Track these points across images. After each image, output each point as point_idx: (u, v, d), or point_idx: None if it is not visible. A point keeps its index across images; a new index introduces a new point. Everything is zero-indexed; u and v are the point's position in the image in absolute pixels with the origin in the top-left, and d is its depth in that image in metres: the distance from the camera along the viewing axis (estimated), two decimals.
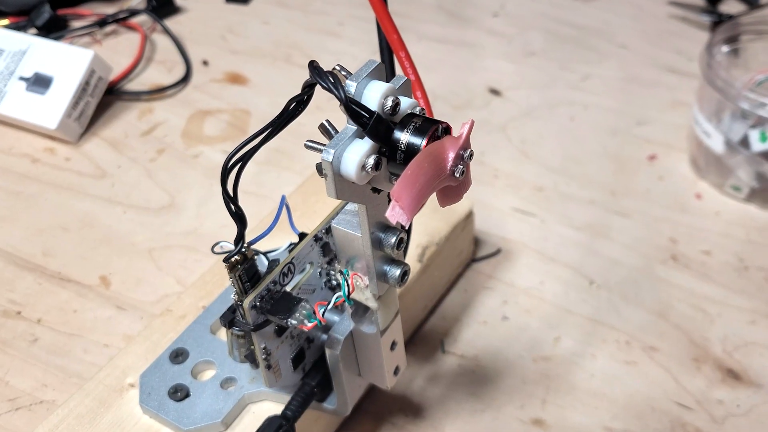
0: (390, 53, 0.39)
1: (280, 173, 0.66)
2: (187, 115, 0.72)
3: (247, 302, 0.33)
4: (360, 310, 0.36)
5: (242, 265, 0.33)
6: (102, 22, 0.82)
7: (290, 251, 0.38)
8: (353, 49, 0.81)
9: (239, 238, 0.33)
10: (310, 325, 0.33)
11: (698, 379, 0.50)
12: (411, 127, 0.28)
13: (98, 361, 0.51)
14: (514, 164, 0.66)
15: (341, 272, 0.33)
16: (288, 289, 0.36)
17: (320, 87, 0.28)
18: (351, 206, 0.33)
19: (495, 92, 0.74)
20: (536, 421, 0.48)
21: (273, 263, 0.36)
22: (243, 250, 0.33)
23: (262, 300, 0.34)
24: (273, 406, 0.43)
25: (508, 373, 0.51)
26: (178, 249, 0.59)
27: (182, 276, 0.57)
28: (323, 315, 0.33)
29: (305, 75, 0.77)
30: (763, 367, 0.50)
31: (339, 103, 0.28)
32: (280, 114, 0.30)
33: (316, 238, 0.36)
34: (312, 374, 0.40)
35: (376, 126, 0.27)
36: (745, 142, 0.58)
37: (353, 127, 0.28)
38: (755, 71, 0.61)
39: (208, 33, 0.84)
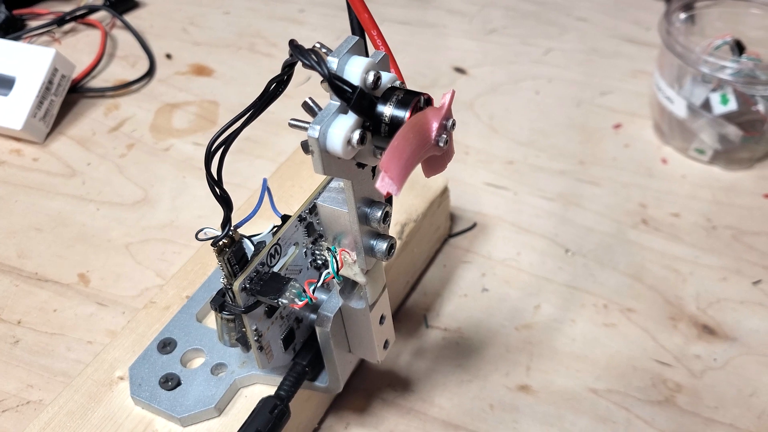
0: (362, 32, 0.39)
1: (252, 161, 0.66)
2: (155, 109, 0.72)
3: (237, 285, 0.33)
4: (348, 287, 0.36)
5: (230, 248, 0.33)
6: (60, 21, 0.80)
7: (275, 233, 0.38)
8: (316, 35, 0.81)
9: (226, 221, 0.33)
10: (300, 303, 0.33)
11: (675, 336, 0.51)
12: (393, 99, 0.28)
13: (83, 358, 0.51)
14: (483, 140, 0.67)
15: (328, 249, 0.33)
16: (275, 270, 0.36)
17: (301, 65, 0.28)
18: (335, 183, 0.33)
19: (460, 71, 0.75)
20: (522, 387, 0.49)
21: (259, 246, 0.36)
22: (230, 233, 0.33)
23: (251, 282, 0.34)
24: (265, 389, 0.43)
25: (491, 342, 0.51)
26: (155, 242, 0.59)
27: (162, 269, 0.57)
28: (313, 292, 0.33)
29: (270, 63, 0.77)
30: (736, 322, 0.52)
31: (321, 80, 0.28)
32: (261, 95, 0.30)
33: (300, 219, 0.37)
34: (302, 354, 0.40)
35: (359, 101, 0.28)
36: (707, 105, 0.59)
37: (336, 103, 0.28)
38: (712, 37, 0.63)
39: (170, 26, 0.83)
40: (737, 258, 0.56)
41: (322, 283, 0.33)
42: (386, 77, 0.29)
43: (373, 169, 0.32)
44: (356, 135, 0.28)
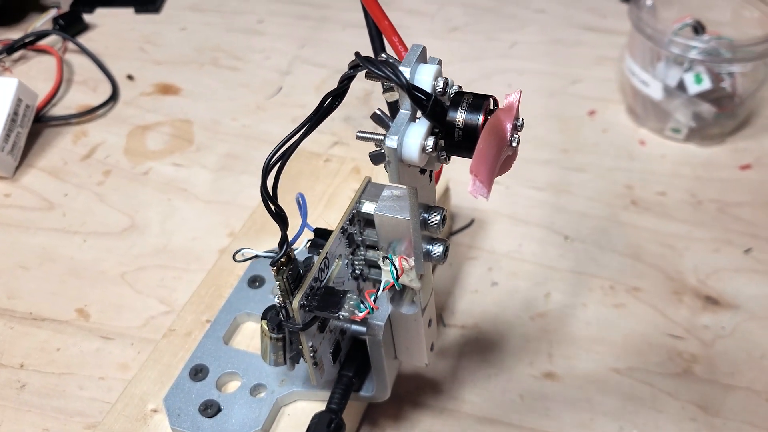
0: (381, 40, 0.39)
1: (237, 177, 0.65)
2: (125, 133, 0.70)
3: (296, 302, 0.33)
4: (397, 293, 0.36)
5: (288, 266, 0.33)
6: (9, 49, 0.78)
7: (310, 246, 0.38)
8: (279, 45, 0.80)
9: (284, 240, 0.33)
10: (361, 314, 0.33)
11: (682, 309, 0.53)
12: (464, 104, 0.29)
13: (98, 395, 0.50)
14: None
15: (385, 258, 0.34)
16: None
17: (374, 75, 0.28)
18: (387, 192, 0.34)
19: None
20: (548, 375, 0.50)
21: (308, 262, 0.36)
22: (288, 251, 0.33)
23: (308, 298, 0.34)
24: (307, 405, 0.43)
25: (510, 334, 0.53)
26: (151, 269, 0.58)
27: (164, 295, 0.56)
28: (375, 302, 0.34)
29: (237, 77, 0.77)
30: (736, 289, 0.55)
31: (388, 90, 0.29)
32: (316, 110, 0.30)
33: (342, 230, 0.37)
34: (347, 365, 0.40)
35: (434, 108, 0.28)
36: (681, 86, 0.62)
37: (407, 112, 0.28)
38: (671, 20, 0.65)
39: (126, 46, 0.81)
40: (725, 229, 0.59)
41: (383, 291, 0.34)
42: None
43: (430, 173, 0.32)
44: (430, 142, 0.28)
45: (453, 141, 0.29)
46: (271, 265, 0.33)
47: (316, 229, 0.40)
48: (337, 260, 0.37)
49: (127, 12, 0.86)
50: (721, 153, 0.65)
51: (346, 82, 0.29)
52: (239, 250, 0.37)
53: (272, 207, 0.32)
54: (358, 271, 0.39)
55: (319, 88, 0.74)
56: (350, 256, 0.38)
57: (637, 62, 0.64)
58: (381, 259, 0.34)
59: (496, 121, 0.28)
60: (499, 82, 0.74)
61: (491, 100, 0.29)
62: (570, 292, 0.55)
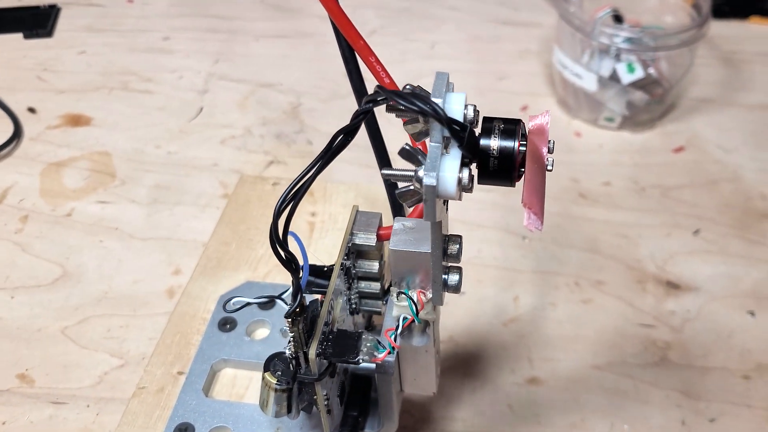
0: (355, 62, 0.38)
1: (172, 210, 0.61)
2: (38, 173, 0.65)
3: (312, 352, 0.31)
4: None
5: (302, 316, 0.31)
6: None
7: (298, 288, 0.36)
8: (191, 62, 0.77)
9: (297, 289, 0.31)
10: (381, 356, 0.32)
11: (647, 297, 0.55)
12: (496, 131, 0.28)
13: None
14: (394, 141, 0.67)
15: (402, 293, 0.32)
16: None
17: (404, 110, 0.26)
18: (398, 225, 0.32)
19: None
20: (532, 380, 0.50)
21: (313, 305, 0.34)
22: (301, 300, 0.31)
23: (323, 346, 0.32)
24: None
25: (486, 343, 0.52)
26: (95, 320, 0.54)
27: (114, 347, 0.52)
28: (395, 341, 0.32)
29: (152, 100, 0.73)
30: (693, 272, 0.57)
31: (411, 122, 0.27)
32: (326, 149, 0.28)
33: (342, 266, 0.35)
34: (350, 405, 0.39)
35: (471, 139, 0.27)
36: (614, 76, 0.63)
37: (437, 145, 0.27)
38: (593, 10, 0.67)
39: (20, 76, 0.75)
40: (672, 213, 0.61)
41: (402, 329, 0.32)
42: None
43: (446, 202, 0.31)
44: (465, 174, 0.27)
45: (488, 170, 0.28)
46: (285, 317, 0.31)
47: (312, 265, 0.38)
48: (338, 299, 0.35)
49: (16, 38, 0.80)
50: (653, 138, 0.68)
51: (361, 117, 0.27)
52: (230, 299, 0.35)
53: (282, 254, 0.30)
54: (354, 306, 0.38)
55: (242, 104, 0.71)
56: (347, 292, 0.37)
57: (568, 54, 0.65)
58: (395, 295, 0.32)
59: (533, 147, 0.27)
60: (428, 84, 0.73)
61: (522, 124, 0.28)
62: (537, 293, 0.55)
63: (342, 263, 0.35)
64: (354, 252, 0.36)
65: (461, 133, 0.26)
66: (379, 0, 0.85)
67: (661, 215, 0.61)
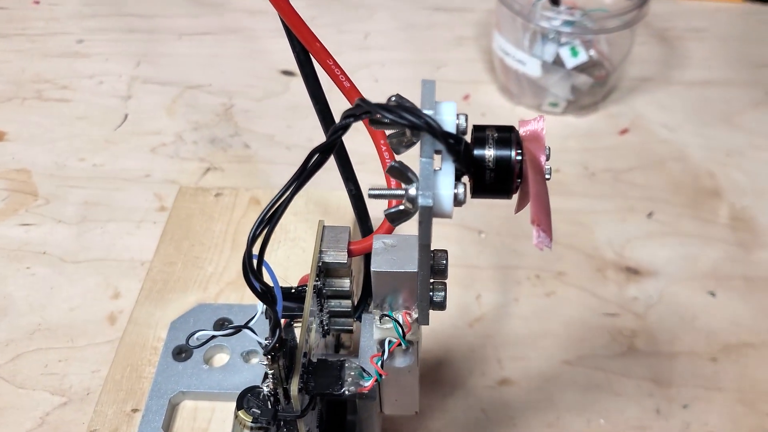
0: (311, 65, 0.35)
1: (105, 227, 0.58)
2: None
3: (294, 388, 0.29)
4: None
5: (282, 351, 0.29)
6: None
7: (277, 323, 0.34)
8: (110, 66, 0.72)
9: (276, 324, 0.28)
10: (368, 384, 0.30)
11: (609, 285, 0.54)
12: (491, 141, 0.26)
13: None
14: (347, 141, 0.65)
15: (385, 316, 0.30)
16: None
17: (391, 124, 0.24)
18: (379, 244, 0.30)
19: (288, 73, 0.72)
20: (503, 381, 0.49)
21: (289, 333, 0.31)
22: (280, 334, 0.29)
23: (305, 380, 0.30)
24: None
25: (453, 347, 0.51)
26: (30, 355, 0.50)
27: (54, 384, 0.48)
28: (382, 367, 0.30)
29: (71, 109, 0.69)
30: (651, 256, 0.56)
31: (397, 137, 0.25)
32: (301, 168, 0.26)
33: (314, 288, 0.33)
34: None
35: (466, 151, 0.25)
36: (558, 60, 0.62)
37: (429, 160, 0.25)
38: None
39: None
40: (625, 197, 0.61)
41: (389, 353, 0.30)
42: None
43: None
44: (461, 190, 0.25)
45: (483, 183, 0.26)
46: (265, 354, 0.28)
47: (283, 288, 0.35)
48: (312, 324, 0.33)
49: None
50: (598, 121, 0.67)
51: (339, 132, 0.25)
52: (193, 334, 0.32)
53: (258, 286, 0.27)
54: (326, 327, 0.36)
55: (170, 109, 0.68)
56: (319, 314, 0.35)
57: (509, 40, 0.64)
58: (377, 318, 0.30)
59: (532, 156, 0.26)
60: (365, 77, 0.71)
61: (516, 131, 0.27)
62: (499, 289, 0.54)
63: (315, 286, 0.33)
64: (323, 270, 0.34)
65: (457, 147, 0.24)
66: None
67: (614, 200, 0.61)
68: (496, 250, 0.57)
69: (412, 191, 0.25)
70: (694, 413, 0.47)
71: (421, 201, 0.24)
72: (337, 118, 0.40)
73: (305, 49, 0.34)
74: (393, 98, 0.25)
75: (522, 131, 0.26)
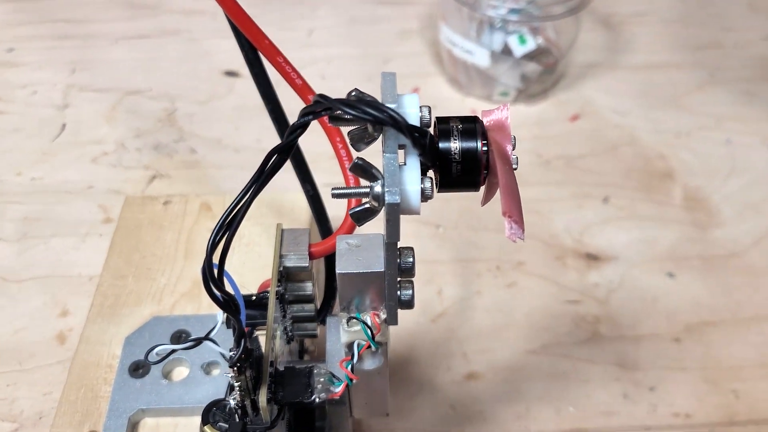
0: (260, 64, 0.35)
1: (48, 243, 0.56)
2: None
3: (263, 399, 0.28)
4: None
5: (248, 361, 0.28)
6: None
7: (242, 333, 0.33)
8: (44, 75, 0.70)
9: (241, 333, 0.27)
10: (339, 390, 0.29)
11: (569, 273, 0.55)
12: (455, 133, 0.25)
13: None
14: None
15: (352, 318, 0.29)
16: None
17: (353, 119, 0.24)
18: (342, 245, 0.29)
19: (232, 74, 0.70)
20: (470, 376, 0.49)
21: (253, 342, 0.31)
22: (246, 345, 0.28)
23: (273, 389, 0.29)
24: None
25: (417, 343, 0.51)
26: None
27: (3, 410, 0.46)
28: (352, 371, 0.29)
29: (3, 122, 0.66)
30: (609, 241, 0.57)
31: (359, 133, 0.24)
32: (260, 170, 0.25)
33: (277, 294, 0.32)
34: None
35: (431, 145, 0.24)
36: (506, 49, 0.63)
37: (394, 155, 0.24)
38: None
39: None
40: (579, 183, 0.61)
41: (359, 356, 0.30)
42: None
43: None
44: (428, 184, 0.25)
45: (450, 177, 0.25)
46: (231, 366, 0.27)
47: (246, 296, 0.34)
48: (277, 331, 0.32)
49: None
50: (549, 108, 0.68)
51: (298, 131, 0.24)
52: (152, 349, 0.31)
53: (219, 295, 0.26)
54: (290, 333, 0.35)
55: (110, 116, 0.66)
56: (283, 320, 0.34)
57: (456, 31, 0.64)
58: (345, 321, 0.30)
59: (498, 146, 0.25)
60: (312, 74, 0.70)
61: (480, 121, 0.26)
62: (460, 283, 0.54)
63: (277, 291, 0.32)
64: (284, 275, 0.33)
65: (422, 140, 0.24)
66: None
67: (569, 187, 0.61)
68: (455, 243, 0.57)
69: (378, 188, 0.24)
70: (660, 395, 0.48)
71: (388, 198, 0.23)
72: (290, 117, 0.39)
73: (254, 48, 0.33)
74: (353, 93, 0.25)
75: (486, 121, 0.26)
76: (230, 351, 0.27)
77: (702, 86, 0.71)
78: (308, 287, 0.34)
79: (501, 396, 0.48)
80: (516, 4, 0.62)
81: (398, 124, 0.23)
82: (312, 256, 0.33)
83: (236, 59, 0.72)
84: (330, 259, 0.39)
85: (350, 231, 0.34)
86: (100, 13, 0.77)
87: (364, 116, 0.23)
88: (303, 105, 0.37)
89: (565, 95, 0.69)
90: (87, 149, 0.63)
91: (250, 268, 0.46)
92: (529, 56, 0.63)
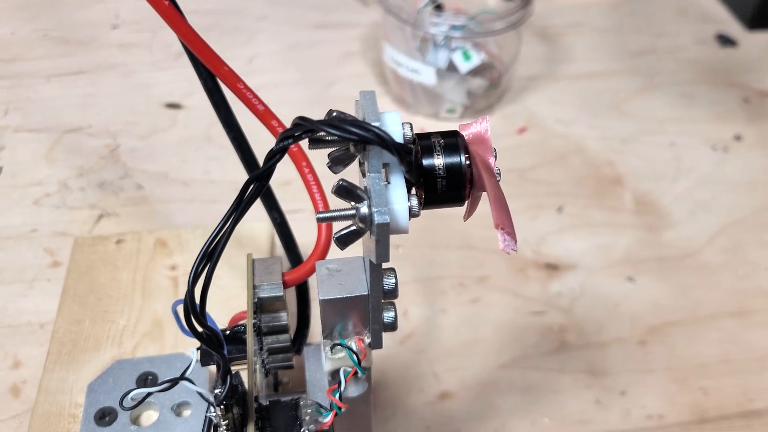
0: (220, 92, 0.34)
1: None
2: None
3: None
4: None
5: (234, 398, 0.27)
6: None
7: (203, 357, 0.32)
8: None
9: (227, 371, 0.27)
10: (328, 420, 0.29)
11: (532, 284, 0.55)
12: (438, 148, 0.25)
13: None
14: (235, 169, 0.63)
15: (337, 345, 0.29)
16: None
17: (336, 140, 0.23)
18: (322, 271, 0.29)
19: (174, 106, 0.69)
20: (443, 395, 0.49)
21: (236, 378, 0.30)
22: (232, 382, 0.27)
23: (261, 425, 0.28)
24: None
25: (387, 367, 0.50)
26: None
27: None
28: (340, 399, 0.29)
29: None
30: (566, 250, 0.58)
31: (339, 156, 0.24)
32: (238, 198, 0.25)
33: (255, 327, 0.31)
34: None
35: (417, 161, 0.25)
36: (451, 66, 0.63)
37: (378, 175, 0.24)
38: (415, 1, 0.67)
39: None
40: (533, 194, 0.62)
41: (345, 383, 0.29)
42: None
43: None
44: (414, 202, 0.24)
45: (435, 193, 0.25)
46: (218, 404, 0.27)
47: (224, 330, 0.33)
48: (256, 364, 0.32)
49: None
50: (496, 123, 0.69)
51: (278, 156, 0.24)
52: (127, 394, 0.30)
53: (201, 330, 0.25)
54: (267, 367, 0.34)
55: (50, 156, 0.64)
56: (260, 353, 0.33)
57: (401, 51, 0.64)
58: (329, 349, 0.29)
59: (482, 159, 0.26)
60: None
61: (460, 134, 0.26)
62: (425, 302, 0.54)
63: (254, 323, 0.31)
64: (258, 306, 0.33)
65: (408, 158, 0.24)
66: None
67: (524, 199, 0.62)
68: (416, 262, 0.57)
69: (364, 210, 0.24)
70: (632, 398, 0.49)
71: (377, 218, 0.23)
72: (253, 145, 0.39)
73: (212, 75, 0.33)
74: (334, 113, 0.24)
75: (465, 135, 0.26)
76: (216, 389, 0.27)
77: (641, 91, 0.73)
78: (283, 317, 0.34)
79: (476, 413, 0.48)
80: (457, 21, 0.63)
81: (385, 142, 0.23)
82: (286, 285, 0.33)
83: (177, 91, 0.72)
84: (301, 287, 0.39)
85: (323, 256, 0.34)
86: (30, 51, 0.75)
87: (349, 136, 0.23)
88: (265, 131, 0.37)
89: (510, 109, 0.70)
90: (28, 191, 0.61)
91: (214, 302, 0.45)
92: (474, 72, 0.64)
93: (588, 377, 0.50)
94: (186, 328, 0.34)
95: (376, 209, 0.23)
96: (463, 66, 0.63)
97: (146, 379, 0.42)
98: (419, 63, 0.63)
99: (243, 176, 0.62)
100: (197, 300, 0.25)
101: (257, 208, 0.42)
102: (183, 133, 0.67)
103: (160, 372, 0.42)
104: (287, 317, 0.34)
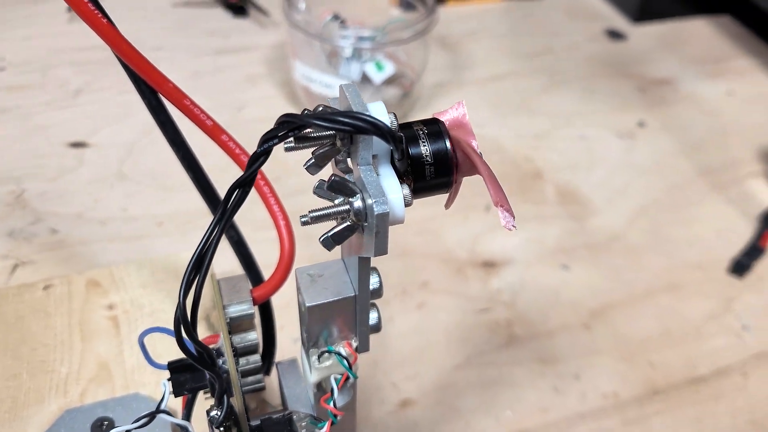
0: (165, 110, 0.33)
1: None
2: None
3: None
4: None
5: (232, 419, 0.26)
6: None
7: (176, 388, 0.31)
8: None
9: (223, 391, 0.26)
10: (324, 430, 0.28)
11: (472, 283, 0.56)
12: (422, 135, 0.25)
13: None
14: (156, 203, 0.62)
15: (326, 352, 0.29)
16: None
17: (338, 131, 0.23)
18: (304, 279, 0.28)
19: (79, 144, 0.67)
20: (404, 404, 0.49)
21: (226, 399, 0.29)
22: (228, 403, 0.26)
23: None
24: None
25: None
26: None
27: None
28: (335, 406, 0.29)
29: None
30: (501, 246, 0.59)
31: (320, 157, 0.24)
32: (222, 207, 0.24)
33: (233, 348, 0.31)
34: None
35: (408, 150, 0.25)
36: (365, 78, 0.64)
37: (369, 167, 0.24)
38: (319, 17, 0.68)
39: None
40: (460, 196, 0.62)
41: (338, 390, 0.29)
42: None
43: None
44: (407, 191, 0.25)
45: (424, 180, 0.26)
46: (217, 427, 0.26)
47: (170, 363, 0.32)
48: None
49: None
50: None
51: (262, 159, 0.23)
52: (100, 425, 0.29)
53: (194, 347, 0.24)
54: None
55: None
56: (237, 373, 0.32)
57: (311, 66, 0.65)
58: (316, 357, 0.29)
59: (467, 143, 0.26)
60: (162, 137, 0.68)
61: (441, 120, 0.27)
62: None
63: (232, 345, 0.31)
64: (229, 327, 0.32)
65: (402, 145, 0.24)
66: (74, 56, 0.77)
67: (455, 203, 0.63)
68: None
69: (358, 203, 0.24)
70: (586, 382, 0.50)
71: (377, 209, 0.23)
72: (203, 162, 0.38)
73: (155, 93, 0.32)
74: (320, 107, 0.24)
75: (444, 120, 0.27)
76: (213, 412, 0.26)
77: (546, 89, 0.76)
78: (253, 336, 0.33)
79: (438, 417, 0.48)
80: (363, 33, 0.64)
81: (381, 130, 0.23)
82: (256, 301, 0.32)
83: (80, 129, 0.69)
84: (264, 306, 0.38)
85: (289, 267, 0.33)
86: None
87: (343, 128, 0.22)
88: (216, 147, 0.36)
89: (424, 116, 0.71)
90: None
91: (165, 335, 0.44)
92: (388, 81, 0.65)
93: (541, 366, 0.51)
94: (153, 359, 0.33)
95: (374, 200, 0.23)
96: (377, 77, 0.64)
97: (101, 425, 0.40)
98: (332, 77, 0.64)
99: (164, 209, 0.61)
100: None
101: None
102: (93, 171, 0.64)
103: (115, 415, 0.40)
104: (257, 336, 0.33)
